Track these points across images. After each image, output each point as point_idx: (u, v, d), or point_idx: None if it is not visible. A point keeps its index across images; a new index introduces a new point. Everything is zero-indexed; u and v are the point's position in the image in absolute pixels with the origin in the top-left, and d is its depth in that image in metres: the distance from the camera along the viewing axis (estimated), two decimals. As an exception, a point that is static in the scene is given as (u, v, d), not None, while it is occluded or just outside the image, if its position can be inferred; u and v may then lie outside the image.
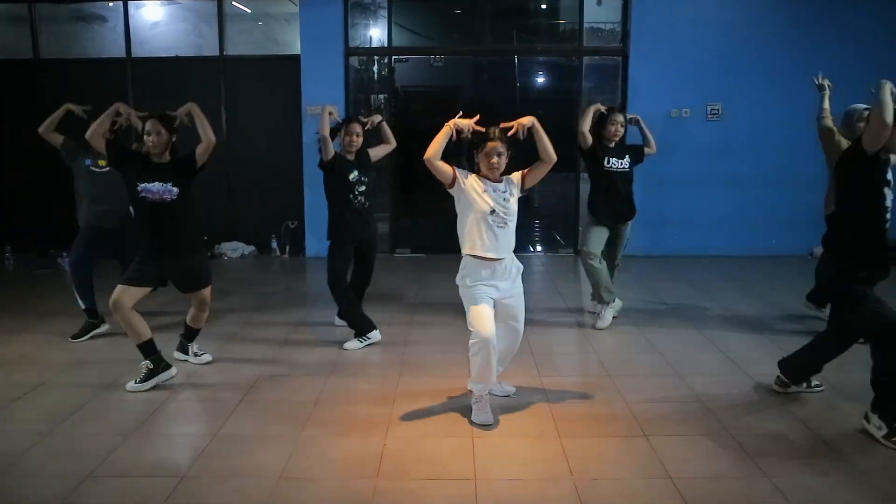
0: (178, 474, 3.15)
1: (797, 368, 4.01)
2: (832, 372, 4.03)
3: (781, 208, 8.08)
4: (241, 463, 3.28)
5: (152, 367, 4.21)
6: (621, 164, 5.43)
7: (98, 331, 5.28)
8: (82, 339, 5.18)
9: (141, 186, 4.08)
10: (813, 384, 4.06)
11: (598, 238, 5.43)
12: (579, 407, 3.95)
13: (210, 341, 4.99)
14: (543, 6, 9.21)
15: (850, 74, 7.82)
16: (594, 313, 5.70)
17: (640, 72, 8.24)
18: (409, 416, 3.81)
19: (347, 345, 4.99)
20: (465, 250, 3.68)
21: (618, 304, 5.70)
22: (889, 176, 3.62)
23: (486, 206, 3.58)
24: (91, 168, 5.12)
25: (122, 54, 8.56)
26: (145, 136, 4.11)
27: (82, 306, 5.22)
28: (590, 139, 5.30)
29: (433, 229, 9.05)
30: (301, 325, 5.65)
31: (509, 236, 3.66)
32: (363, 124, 5.06)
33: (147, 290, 4.23)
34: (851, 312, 3.60)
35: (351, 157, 4.98)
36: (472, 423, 3.68)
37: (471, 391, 3.80)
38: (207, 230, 8.23)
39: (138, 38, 8.63)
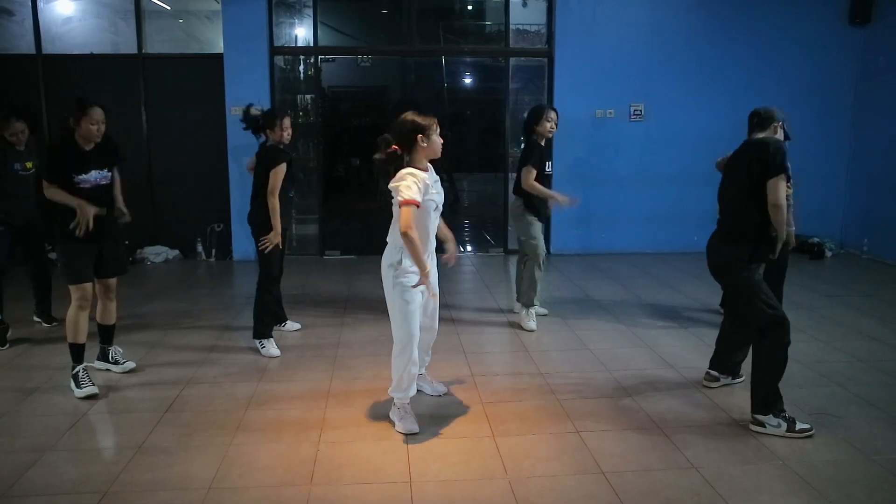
0: (100, 490, 3.02)
1: (726, 362, 4.16)
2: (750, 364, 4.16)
3: (702, 205, 8.30)
4: (167, 475, 3.16)
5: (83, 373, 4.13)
6: (550, 167, 5.56)
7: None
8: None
9: (77, 178, 4.04)
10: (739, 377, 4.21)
11: (542, 238, 5.51)
12: (512, 405, 3.99)
13: (133, 348, 4.81)
14: (470, 7, 9.25)
15: (758, 80, 8.20)
16: (519, 312, 5.74)
17: (565, 73, 8.36)
18: (342, 420, 3.76)
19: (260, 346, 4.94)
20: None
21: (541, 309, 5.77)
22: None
23: (433, 203, 3.56)
24: (20, 172, 5.17)
25: (32, 50, 8.17)
26: (93, 127, 3.98)
27: None
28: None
29: (362, 231, 9.01)
30: (229, 329, 5.50)
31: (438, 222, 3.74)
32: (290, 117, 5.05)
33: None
34: (747, 306, 3.64)
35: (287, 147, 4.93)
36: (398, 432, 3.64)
37: (392, 401, 3.70)
38: (129, 234, 7.95)
39: (49, 34, 8.23)
